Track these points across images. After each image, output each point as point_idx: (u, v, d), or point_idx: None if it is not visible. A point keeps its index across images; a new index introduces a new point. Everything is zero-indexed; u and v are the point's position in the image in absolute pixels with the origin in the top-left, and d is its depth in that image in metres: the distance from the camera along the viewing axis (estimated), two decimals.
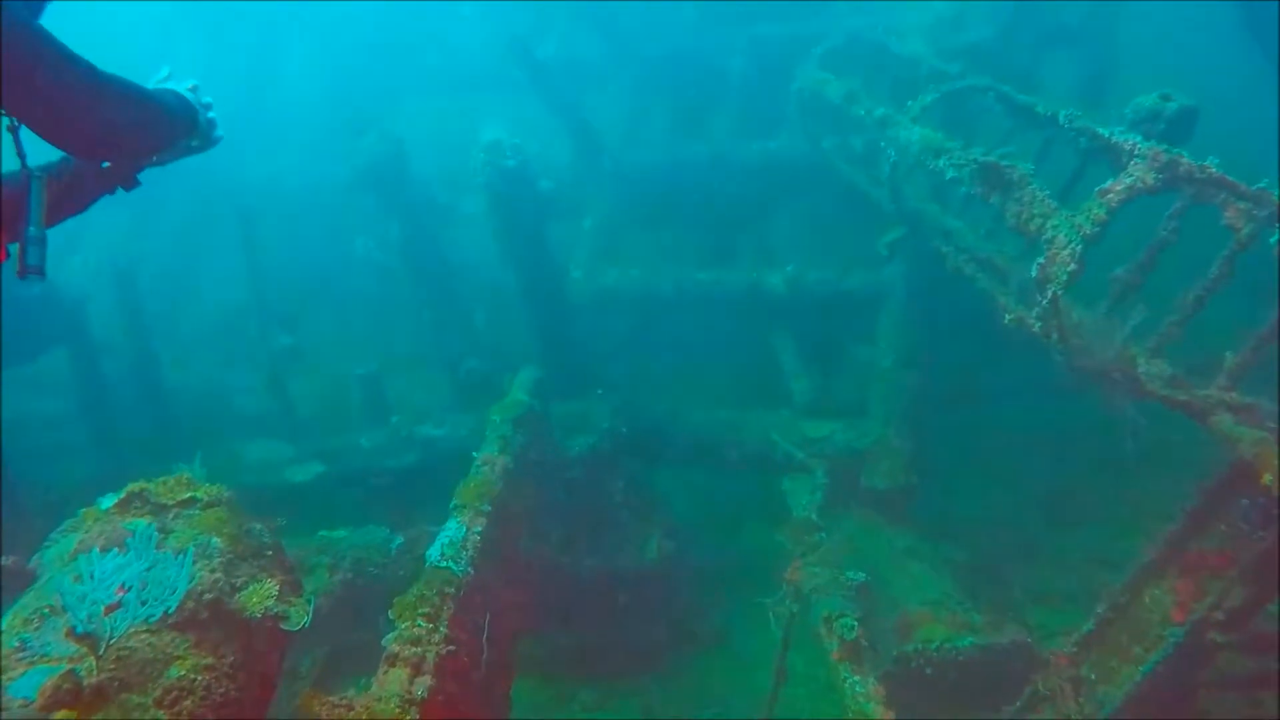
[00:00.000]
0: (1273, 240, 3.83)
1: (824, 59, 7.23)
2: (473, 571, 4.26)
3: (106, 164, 2.69)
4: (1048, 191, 4.07)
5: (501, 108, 8.95)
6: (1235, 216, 3.95)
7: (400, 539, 5.94)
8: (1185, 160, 3.72)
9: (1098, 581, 6.90)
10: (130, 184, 2.77)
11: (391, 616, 3.80)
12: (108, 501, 3.59)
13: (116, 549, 3.34)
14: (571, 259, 8.96)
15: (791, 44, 9.17)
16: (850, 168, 7.04)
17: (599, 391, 7.58)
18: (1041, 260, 3.82)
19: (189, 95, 2.72)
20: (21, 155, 2.39)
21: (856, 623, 4.56)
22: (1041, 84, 8.92)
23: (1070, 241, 3.73)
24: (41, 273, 2.35)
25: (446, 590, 4.01)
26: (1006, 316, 4.57)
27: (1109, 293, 4.98)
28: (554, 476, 6.67)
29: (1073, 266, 3.69)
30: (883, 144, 5.57)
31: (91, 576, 3.17)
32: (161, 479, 3.78)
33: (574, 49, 9.96)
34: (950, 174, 4.62)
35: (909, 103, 5.52)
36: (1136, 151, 4.23)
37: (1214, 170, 3.72)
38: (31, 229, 2.36)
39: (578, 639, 6.82)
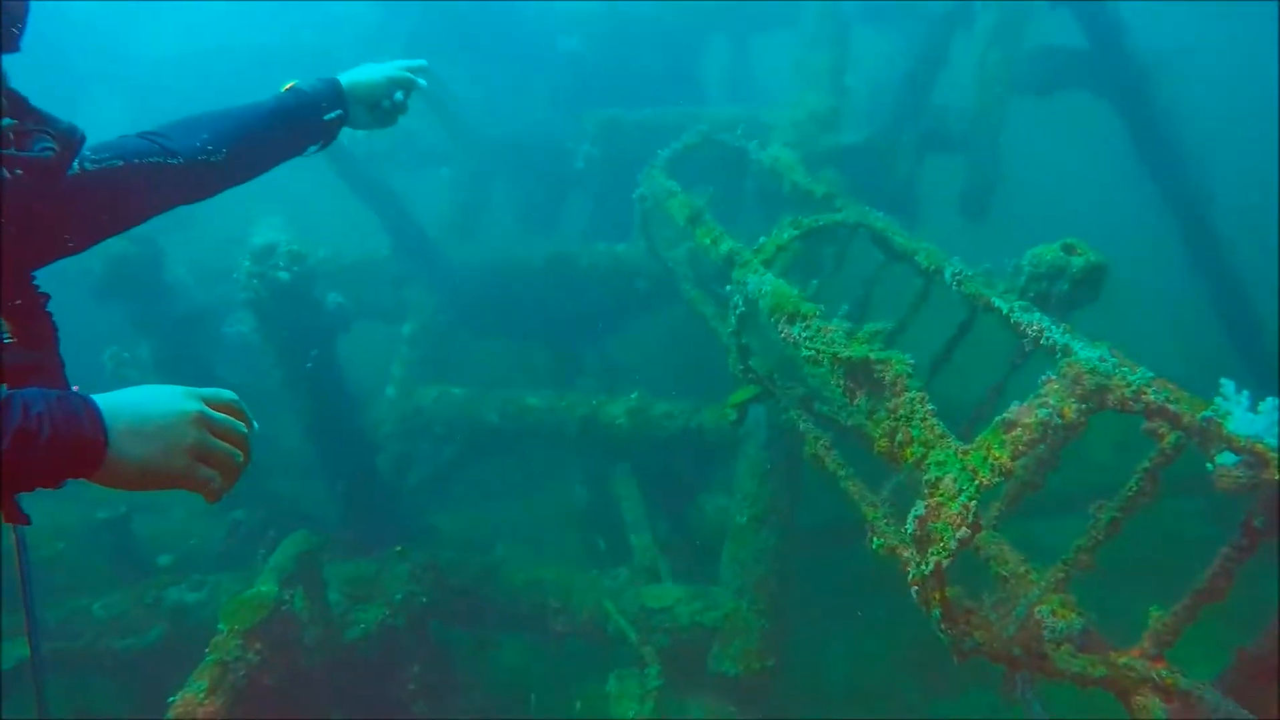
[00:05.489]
0: (1209, 467, 2.77)
1: (672, 162, 6.11)
2: None
3: None
4: (933, 404, 2.95)
5: (308, 191, 7.62)
6: (1157, 427, 2.95)
7: None
8: (1117, 385, 2.66)
9: None
10: None
11: None
12: None
13: None
14: (387, 373, 7.63)
15: (652, 133, 8.13)
16: (698, 293, 5.93)
17: (397, 548, 6.21)
18: (920, 512, 2.69)
19: None
20: None
21: None
22: (922, 193, 8.12)
23: (962, 491, 2.62)
24: None
25: None
26: (874, 541, 3.43)
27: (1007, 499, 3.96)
28: (322, 678, 5.28)
29: (964, 531, 2.57)
30: (729, 288, 4.44)
31: None
32: None
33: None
34: (805, 353, 3.50)
35: (762, 239, 4.42)
36: (1042, 338, 3.20)
37: (1153, 398, 2.66)
38: None
39: None
